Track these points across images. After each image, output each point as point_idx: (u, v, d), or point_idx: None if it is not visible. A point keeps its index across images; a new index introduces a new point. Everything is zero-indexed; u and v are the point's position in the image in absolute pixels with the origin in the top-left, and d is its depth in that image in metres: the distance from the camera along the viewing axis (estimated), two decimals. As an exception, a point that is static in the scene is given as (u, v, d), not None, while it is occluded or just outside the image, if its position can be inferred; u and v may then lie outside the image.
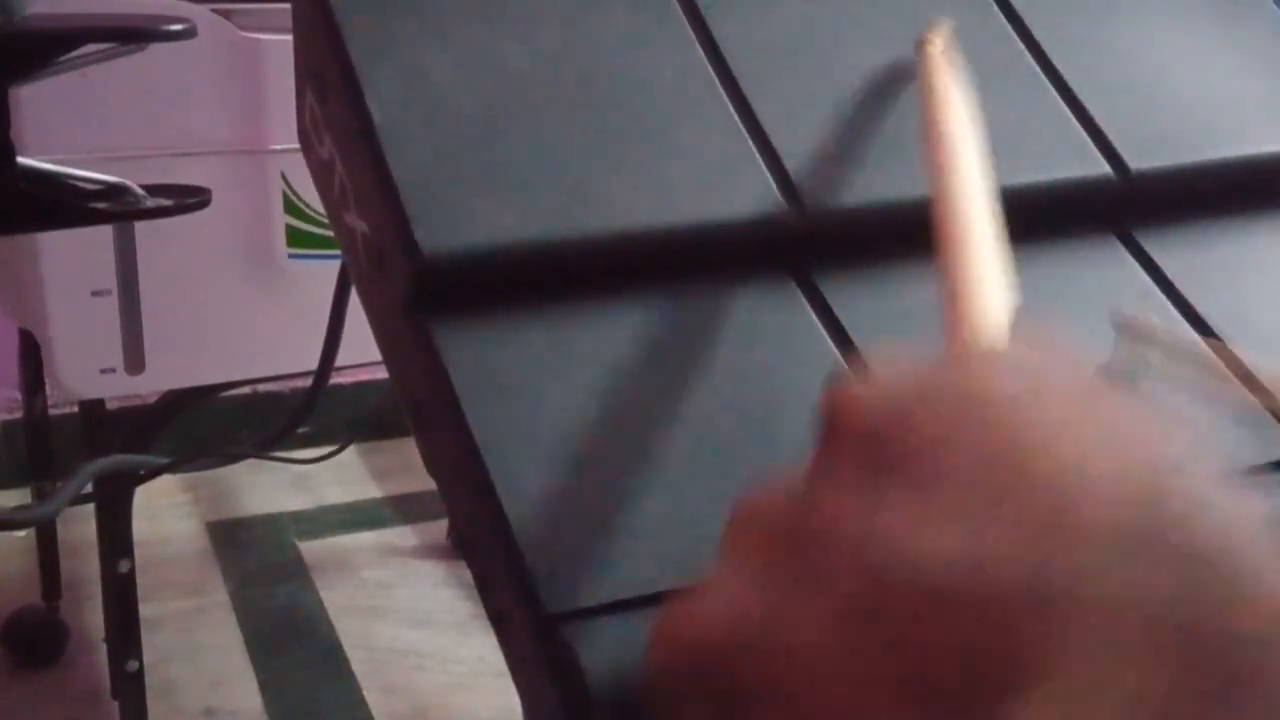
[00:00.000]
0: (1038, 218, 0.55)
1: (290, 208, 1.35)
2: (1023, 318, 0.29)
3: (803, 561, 0.22)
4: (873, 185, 0.55)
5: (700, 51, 0.57)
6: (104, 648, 1.56)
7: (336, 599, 1.84)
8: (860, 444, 0.23)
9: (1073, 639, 0.18)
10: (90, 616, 1.69)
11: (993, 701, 0.18)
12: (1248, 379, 0.52)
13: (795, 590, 0.22)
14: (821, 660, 0.20)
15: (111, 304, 1.29)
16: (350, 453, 2.06)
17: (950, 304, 0.30)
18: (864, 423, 0.23)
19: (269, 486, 2.11)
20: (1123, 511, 0.19)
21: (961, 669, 0.19)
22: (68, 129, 1.22)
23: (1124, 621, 0.18)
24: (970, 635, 0.19)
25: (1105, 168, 0.59)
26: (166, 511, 2.03)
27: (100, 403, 1.42)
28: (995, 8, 0.63)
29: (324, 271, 1.31)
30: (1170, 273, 0.58)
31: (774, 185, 0.54)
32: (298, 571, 1.92)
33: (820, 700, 0.20)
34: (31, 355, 1.56)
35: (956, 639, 0.19)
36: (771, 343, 0.51)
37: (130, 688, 1.46)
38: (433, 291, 0.48)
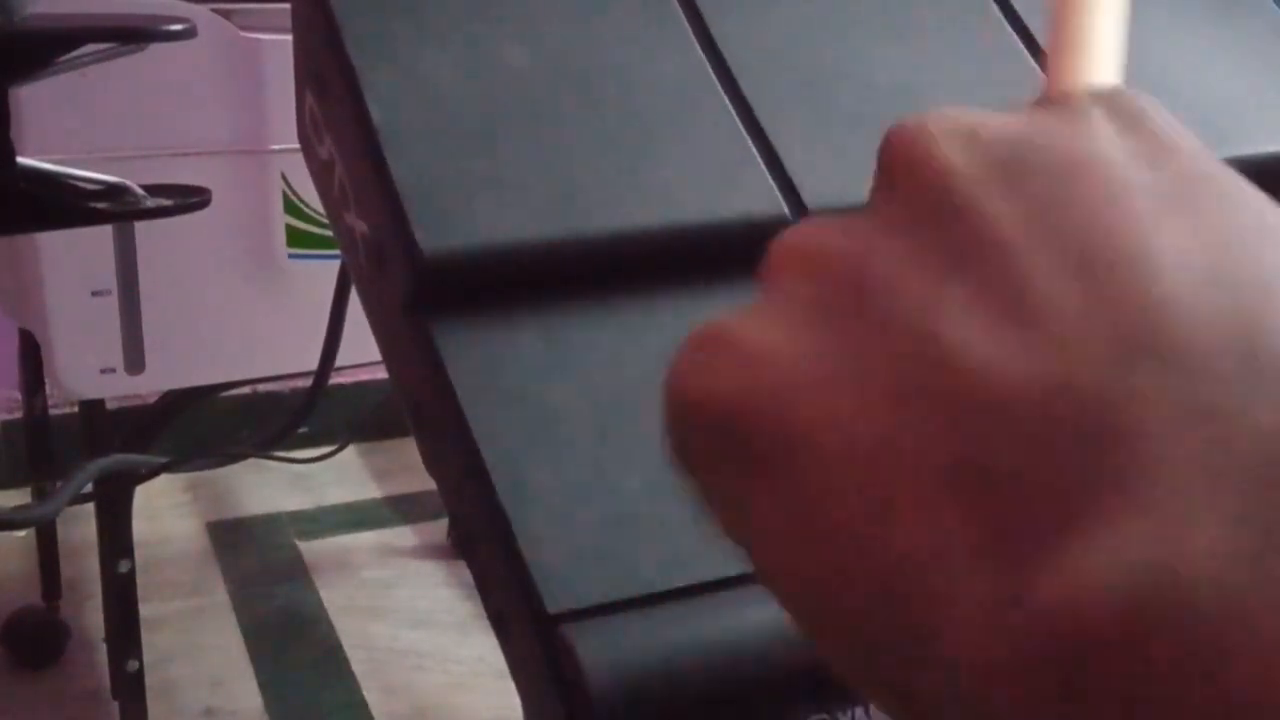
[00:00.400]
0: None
1: (290, 208, 1.35)
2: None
3: (856, 329, 0.19)
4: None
5: (700, 51, 0.57)
6: (104, 648, 1.56)
7: (336, 599, 1.84)
8: (933, 209, 0.20)
9: (1162, 469, 0.16)
10: (90, 616, 1.69)
11: (1069, 520, 0.16)
12: None
13: (845, 359, 0.19)
14: (865, 436, 0.18)
15: (111, 304, 1.29)
16: (350, 453, 2.06)
17: (1056, 47, 0.25)
18: (938, 187, 0.20)
19: (269, 486, 2.11)
20: (1226, 327, 0.17)
21: (1029, 476, 0.17)
22: (68, 129, 1.22)
23: (1221, 448, 0.16)
24: (1044, 449, 0.17)
25: (1105, 168, 0.59)
26: (166, 511, 2.03)
27: (100, 403, 1.42)
28: (995, 8, 0.63)
29: (324, 271, 1.31)
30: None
31: (774, 185, 0.54)
32: (298, 571, 1.92)
33: (858, 478, 0.18)
34: (31, 355, 1.56)
35: (1029, 451, 0.17)
36: (771, 343, 0.51)
37: (130, 688, 1.46)
38: (433, 291, 0.48)
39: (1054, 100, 0.22)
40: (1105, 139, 0.20)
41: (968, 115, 0.21)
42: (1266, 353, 0.17)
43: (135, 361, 1.32)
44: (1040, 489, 0.17)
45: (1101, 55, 0.25)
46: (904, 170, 0.21)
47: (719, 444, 0.20)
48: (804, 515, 0.19)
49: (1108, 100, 0.21)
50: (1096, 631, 0.15)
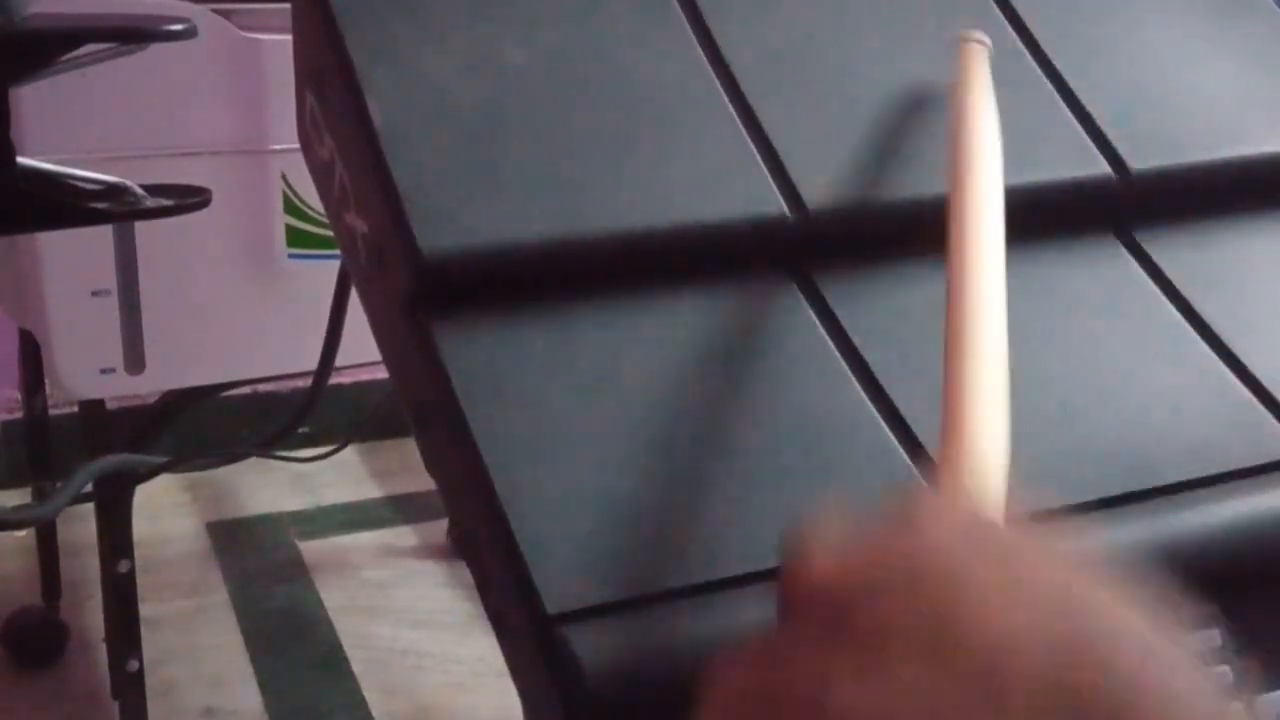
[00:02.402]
0: (1038, 218, 0.55)
1: (290, 208, 1.35)
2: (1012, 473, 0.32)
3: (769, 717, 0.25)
4: (873, 186, 0.55)
5: (700, 52, 0.57)
6: (104, 648, 1.56)
7: (336, 599, 1.84)
8: (821, 608, 0.26)
9: None
10: (90, 616, 1.69)
11: None
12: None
13: None
14: None
15: (111, 304, 1.29)
16: (350, 453, 2.06)
17: (949, 417, 0.35)
18: (822, 590, 0.26)
19: (269, 486, 2.11)
20: (1044, 683, 0.23)
21: None
22: (68, 129, 1.21)
23: None
24: None
25: (1105, 168, 0.59)
26: (166, 511, 2.03)
27: (100, 403, 1.42)
28: (995, 8, 0.63)
29: (324, 271, 1.31)
30: (1170, 273, 0.58)
31: (774, 185, 0.54)
32: (298, 571, 1.92)
33: None
34: (31, 355, 1.56)
35: None
36: (771, 342, 0.51)
37: (130, 688, 1.46)
38: (433, 291, 0.48)
39: (903, 515, 0.28)
40: (960, 539, 0.26)
41: (845, 529, 0.28)
42: (1074, 699, 0.22)
43: (135, 361, 1.32)
44: None
45: (987, 445, 0.32)
46: (796, 579, 0.28)
47: None
48: None
49: (953, 514, 0.29)
50: None
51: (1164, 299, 0.57)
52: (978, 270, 0.39)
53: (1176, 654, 0.24)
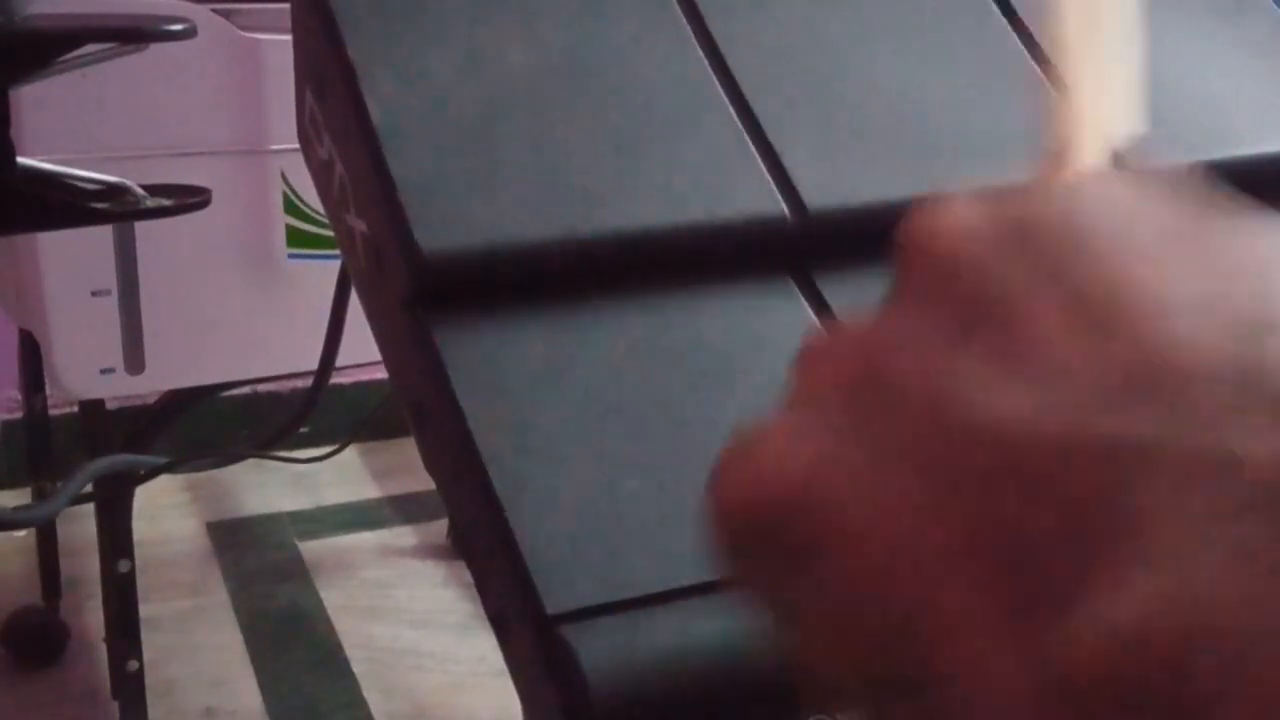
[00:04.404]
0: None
1: (290, 208, 1.35)
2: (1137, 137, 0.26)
3: (879, 415, 0.20)
4: (872, 185, 0.55)
5: (700, 51, 0.57)
6: (104, 648, 1.56)
7: (336, 599, 1.84)
8: (942, 282, 0.21)
9: (1173, 500, 0.17)
10: (90, 616, 1.69)
11: (1087, 574, 0.17)
12: None
13: (870, 447, 0.20)
14: (893, 526, 0.19)
15: (111, 304, 1.29)
16: (350, 453, 2.06)
17: (1065, 103, 0.27)
18: (946, 260, 0.21)
19: (269, 486, 2.11)
20: (1224, 361, 0.18)
21: (1045, 537, 0.18)
22: (68, 129, 1.22)
23: (1226, 480, 0.17)
24: (1059, 506, 0.18)
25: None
26: (166, 511, 2.03)
27: (100, 403, 1.42)
28: (995, 8, 0.63)
29: (324, 271, 1.31)
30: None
31: (774, 185, 0.54)
32: (298, 571, 1.92)
33: (893, 571, 0.19)
34: (31, 355, 1.56)
35: (1044, 510, 0.18)
36: (770, 342, 0.51)
37: (130, 688, 1.46)
38: (432, 291, 0.48)
39: (1054, 169, 0.24)
40: (1101, 200, 0.21)
41: (971, 199, 0.22)
42: (1261, 380, 0.18)
43: (135, 361, 1.32)
44: (1058, 547, 0.17)
45: (1114, 102, 0.26)
46: (915, 252, 0.22)
47: (759, 545, 0.21)
48: (846, 605, 0.20)
49: (1097, 180, 0.23)
50: (1112, 685, 0.16)
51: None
52: None
53: None
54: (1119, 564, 0.17)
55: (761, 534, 0.21)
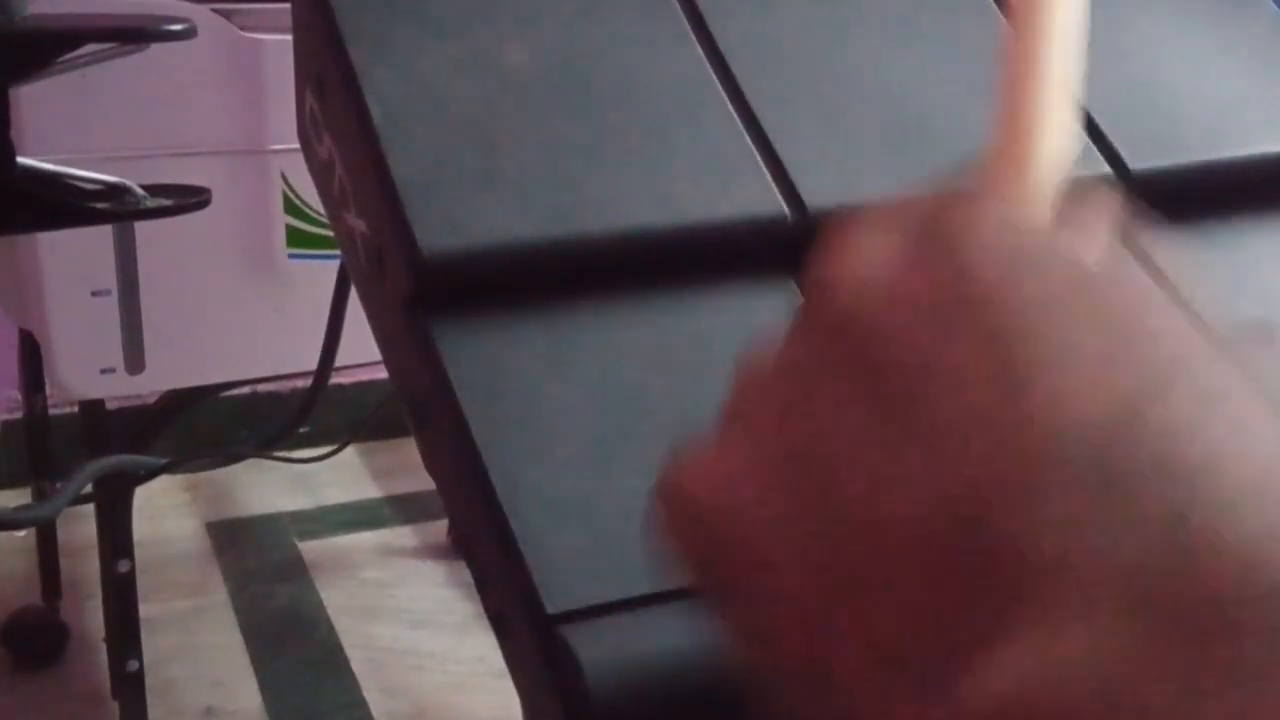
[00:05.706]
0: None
1: (290, 208, 1.35)
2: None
3: (798, 446, 0.21)
4: (873, 185, 0.55)
5: (700, 51, 0.57)
6: (104, 648, 1.56)
7: (336, 599, 1.84)
8: (838, 333, 0.22)
9: (1048, 582, 0.18)
10: (90, 616, 1.69)
11: (961, 649, 0.18)
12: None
13: (780, 478, 0.21)
14: (803, 567, 0.21)
15: (111, 304, 1.29)
16: (350, 453, 2.06)
17: (1005, 101, 0.28)
18: (844, 313, 0.22)
19: (269, 486, 2.11)
20: (1100, 447, 0.18)
21: (933, 597, 0.19)
22: (68, 129, 1.22)
23: (1091, 578, 0.18)
24: (937, 582, 0.19)
25: (1106, 168, 0.59)
26: (166, 511, 2.03)
27: (100, 403, 1.42)
28: (995, 8, 0.63)
29: (324, 271, 1.31)
30: (1170, 273, 0.58)
31: (774, 185, 0.54)
32: (298, 571, 1.92)
33: (794, 609, 0.21)
34: (31, 355, 1.56)
35: (931, 572, 0.19)
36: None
37: (130, 688, 1.46)
38: (432, 291, 0.48)
39: (982, 189, 0.24)
40: (1003, 256, 0.22)
41: (875, 233, 0.24)
42: (1145, 451, 0.18)
43: (135, 361, 1.32)
44: (949, 606, 0.19)
45: (1047, 124, 0.27)
46: (819, 292, 0.23)
47: (688, 544, 0.24)
48: (759, 629, 0.22)
49: (1008, 224, 0.23)
50: None
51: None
52: None
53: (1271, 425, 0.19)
54: (1003, 626, 0.18)
55: (693, 542, 0.23)
